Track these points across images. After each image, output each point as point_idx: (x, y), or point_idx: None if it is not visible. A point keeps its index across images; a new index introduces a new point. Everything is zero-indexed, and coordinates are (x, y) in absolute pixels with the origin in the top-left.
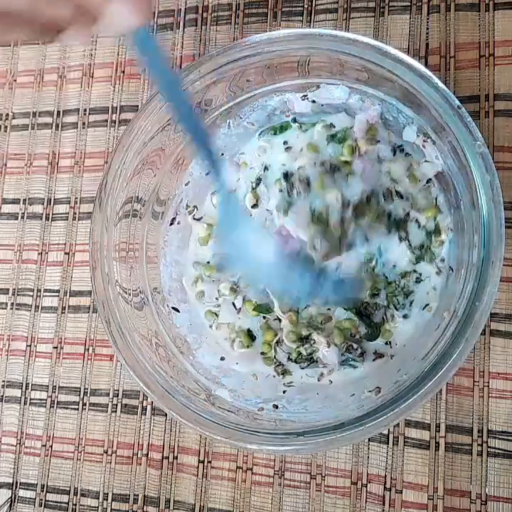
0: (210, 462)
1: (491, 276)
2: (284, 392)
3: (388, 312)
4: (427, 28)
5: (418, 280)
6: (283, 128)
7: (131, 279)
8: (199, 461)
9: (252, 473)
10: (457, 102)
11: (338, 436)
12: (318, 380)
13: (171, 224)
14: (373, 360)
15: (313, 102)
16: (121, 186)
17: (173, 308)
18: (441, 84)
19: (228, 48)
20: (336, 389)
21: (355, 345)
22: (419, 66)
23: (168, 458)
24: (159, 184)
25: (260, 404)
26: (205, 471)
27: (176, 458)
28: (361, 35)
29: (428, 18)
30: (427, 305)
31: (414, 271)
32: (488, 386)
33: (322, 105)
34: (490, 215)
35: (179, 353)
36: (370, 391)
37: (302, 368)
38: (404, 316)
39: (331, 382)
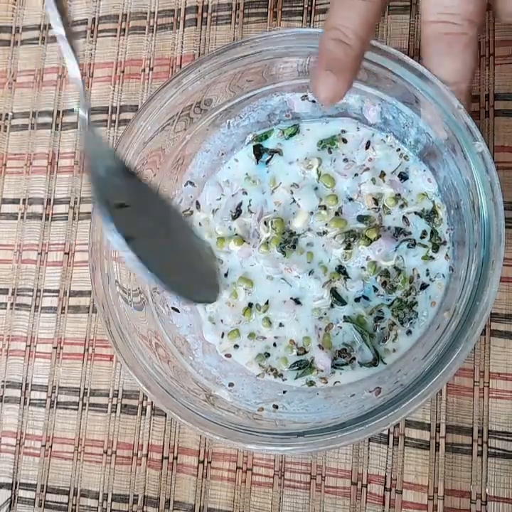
0: (210, 463)
1: (490, 276)
2: (284, 392)
3: (392, 331)
4: None
5: (423, 286)
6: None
7: (131, 279)
8: (199, 462)
9: (252, 474)
10: (457, 102)
11: (338, 437)
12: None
13: None
14: (368, 366)
15: (313, 101)
16: None
17: (172, 308)
18: (440, 84)
19: (228, 48)
20: (336, 389)
21: (348, 350)
22: (418, 66)
23: (167, 458)
24: (159, 184)
25: (260, 405)
26: (205, 471)
27: (176, 458)
28: None
29: None
30: (432, 302)
31: (427, 271)
32: (489, 386)
33: (322, 105)
34: (490, 215)
35: (179, 353)
36: (370, 391)
37: (296, 378)
38: (408, 333)
39: (327, 383)
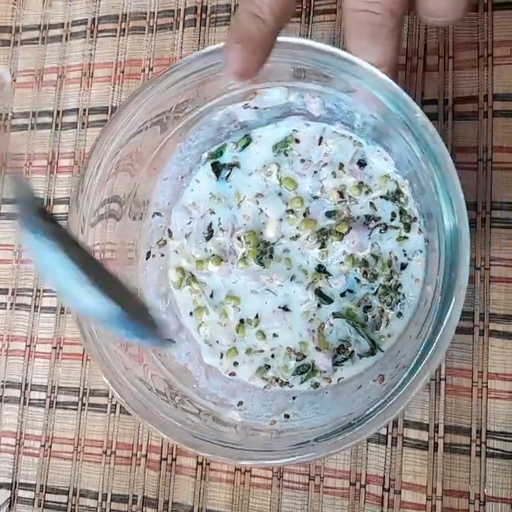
0: (208, 464)
1: (461, 245)
2: (293, 398)
3: (383, 317)
4: (426, 29)
5: (403, 266)
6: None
7: None
8: (198, 463)
9: (251, 475)
10: (387, 79)
11: (345, 437)
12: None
13: (147, 258)
14: (367, 356)
15: (256, 108)
16: (99, 187)
17: (167, 340)
18: (367, 66)
19: (166, 72)
20: (342, 385)
21: (345, 345)
22: (345, 54)
23: (166, 459)
24: (137, 185)
25: (272, 417)
26: (203, 473)
27: (175, 460)
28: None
29: None
30: (416, 280)
31: (403, 251)
32: (487, 387)
33: (265, 109)
34: (446, 183)
35: (181, 384)
36: (374, 380)
37: (301, 383)
38: (399, 315)
39: (331, 381)
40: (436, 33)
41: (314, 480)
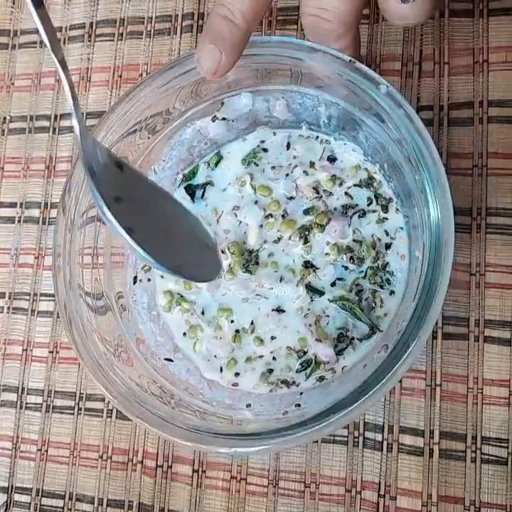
0: (204, 472)
1: (448, 213)
2: (301, 393)
3: (376, 298)
4: (422, 35)
5: (388, 246)
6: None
7: (110, 330)
8: (193, 471)
9: (247, 483)
10: (347, 58)
11: (359, 403)
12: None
13: (134, 283)
14: (367, 338)
15: (224, 119)
16: (87, 189)
17: (165, 359)
18: (323, 48)
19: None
20: (347, 373)
21: (344, 332)
22: (303, 42)
23: (162, 467)
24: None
25: (283, 409)
26: (199, 480)
27: (171, 467)
28: None
29: (422, 25)
30: (402, 256)
31: (385, 231)
32: (482, 393)
33: (233, 120)
34: (421, 150)
35: (187, 396)
36: (379, 352)
37: (306, 379)
38: (391, 293)
39: (336, 372)
40: (431, 38)
41: (310, 487)
